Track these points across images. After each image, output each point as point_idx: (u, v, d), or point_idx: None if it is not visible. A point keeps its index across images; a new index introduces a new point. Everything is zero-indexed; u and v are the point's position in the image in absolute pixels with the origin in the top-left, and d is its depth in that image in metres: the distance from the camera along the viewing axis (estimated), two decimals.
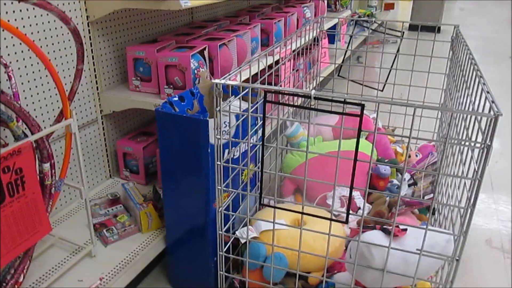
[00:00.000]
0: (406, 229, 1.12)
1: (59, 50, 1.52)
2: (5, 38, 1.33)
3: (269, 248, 1.29)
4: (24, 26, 1.39)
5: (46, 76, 1.49)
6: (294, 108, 1.82)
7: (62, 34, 1.52)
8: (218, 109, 1.06)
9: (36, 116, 1.49)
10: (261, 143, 1.08)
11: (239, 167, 1.15)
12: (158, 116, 1.31)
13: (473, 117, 1.04)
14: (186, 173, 1.33)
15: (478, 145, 0.94)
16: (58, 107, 1.56)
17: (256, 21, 2.18)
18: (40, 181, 1.21)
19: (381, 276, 1.12)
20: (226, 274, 1.34)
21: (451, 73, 1.85)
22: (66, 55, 1.55)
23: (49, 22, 1.47)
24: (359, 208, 1.53)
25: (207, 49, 1.66)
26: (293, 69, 2.52)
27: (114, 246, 1.48)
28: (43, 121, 1.52)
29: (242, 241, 1.34)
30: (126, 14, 1.77)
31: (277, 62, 2.10)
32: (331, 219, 1.06)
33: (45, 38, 1.47)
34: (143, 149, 1.77)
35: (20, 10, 1.36)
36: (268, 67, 2.11)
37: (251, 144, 1.41)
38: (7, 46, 1.34)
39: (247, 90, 0.98)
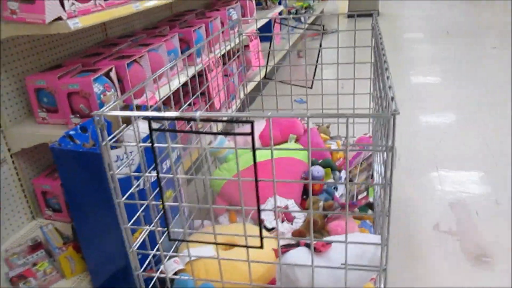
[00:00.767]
0: (330, 243, 1.04)
1: None
2: None
3: (198, 279, 1.19)
4: None
5: None
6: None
7: None
8: (104, 143, 0.94)
9: None
10: (161, 176, 0.97)
11: (147, 202, 1.04)
12: (54, 153, 1.18)
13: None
14: (95, 211, 1.21)
15: (383, 148, 0.87)
16: None
17: (175, 31, 2.06)
18: None
19: None
20: None
21: (376, 63, 1.80)
22: None
23: None
24: (295, 217, 1.45)
25: (113, 70, 1.54)
26: (225, 75, 2.43)
27: None
28: None
29: (169, 275, 1.23)
30: (25, 41, 1.62)
31: (203, 71, 1.99)
32: (247, 246, 0.97)
33: None
34: (61, 185, 1.63)
35: None
36: (198, 74, 2.02)
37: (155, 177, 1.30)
38: None
39: (143, 115, 0.87)
